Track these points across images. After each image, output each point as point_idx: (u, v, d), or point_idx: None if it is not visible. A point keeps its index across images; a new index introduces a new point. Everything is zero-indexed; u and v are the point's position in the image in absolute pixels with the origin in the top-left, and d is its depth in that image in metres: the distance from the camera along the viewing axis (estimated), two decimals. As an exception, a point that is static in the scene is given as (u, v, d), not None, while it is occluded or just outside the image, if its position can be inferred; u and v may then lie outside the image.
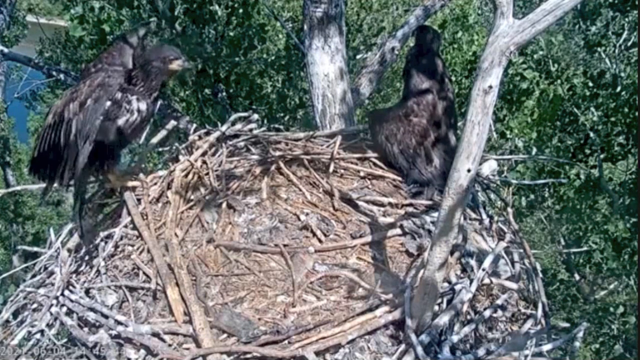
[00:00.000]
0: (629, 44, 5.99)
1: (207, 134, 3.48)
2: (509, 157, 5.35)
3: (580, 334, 2.52)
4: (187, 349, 2.33)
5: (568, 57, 7.05)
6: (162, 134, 3.51)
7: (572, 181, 6.29)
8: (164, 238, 2.76)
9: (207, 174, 3.16)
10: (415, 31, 3.64)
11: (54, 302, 2.62)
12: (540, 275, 2.89)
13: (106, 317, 2.49)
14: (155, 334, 2.37)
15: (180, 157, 3.32)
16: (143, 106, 2.83)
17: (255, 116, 3.74)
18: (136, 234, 2.83)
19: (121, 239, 2.84)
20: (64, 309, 2.60)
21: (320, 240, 2.80)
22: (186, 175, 3.15)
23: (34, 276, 2.88)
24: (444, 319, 2.34)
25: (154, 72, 2.83)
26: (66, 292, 2.65)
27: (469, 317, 2.54)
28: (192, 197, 3.03)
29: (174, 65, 2.86)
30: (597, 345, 6.75)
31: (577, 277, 7.29)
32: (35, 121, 12.69)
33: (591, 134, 6.04)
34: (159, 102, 3.06)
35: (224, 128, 3.51)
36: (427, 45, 3.42)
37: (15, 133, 10.80)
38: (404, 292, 2.44)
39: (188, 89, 6.30)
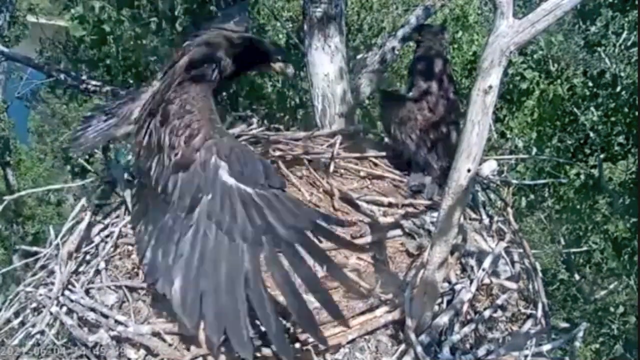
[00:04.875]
0: (629, 43, 5.98)
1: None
2: (509, 157, 5.34)
3: (580, 334, 2.52)
4: (187, 349, 2.33)
5: (568, 57, 7.03)
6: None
7: (572, 181, 6.27)
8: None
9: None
10: (423, 27, 3.68)
11: (54, 301, 2.62)
12: (540, 275, 2.89)
13: (106, 317, 2.48)
14: (156, 334, 2.37)
15: None
16: None
17: (254, 120, 3.75)
18: (136, 234, 2.83)
19: (121, 238, 2.84)
20: (64, 308, 2.59)
21: (320, 240, 2.79)
22: None
23: (33, 275, 2.88)
24: (444, 319, 2.34)
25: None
26: (66, 292, 2.64)
27: (469, 317, 2.54)
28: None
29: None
30: (597, 345, 6.75)
31: (577, 277, 7.28)
32: (35, 121, 12.67)
33: (591, 134, 6.03)
34: None
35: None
36: (434, 41, 3.47)
37: (15, 133, 10.78)
38: (404, 292, 2.44)
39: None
